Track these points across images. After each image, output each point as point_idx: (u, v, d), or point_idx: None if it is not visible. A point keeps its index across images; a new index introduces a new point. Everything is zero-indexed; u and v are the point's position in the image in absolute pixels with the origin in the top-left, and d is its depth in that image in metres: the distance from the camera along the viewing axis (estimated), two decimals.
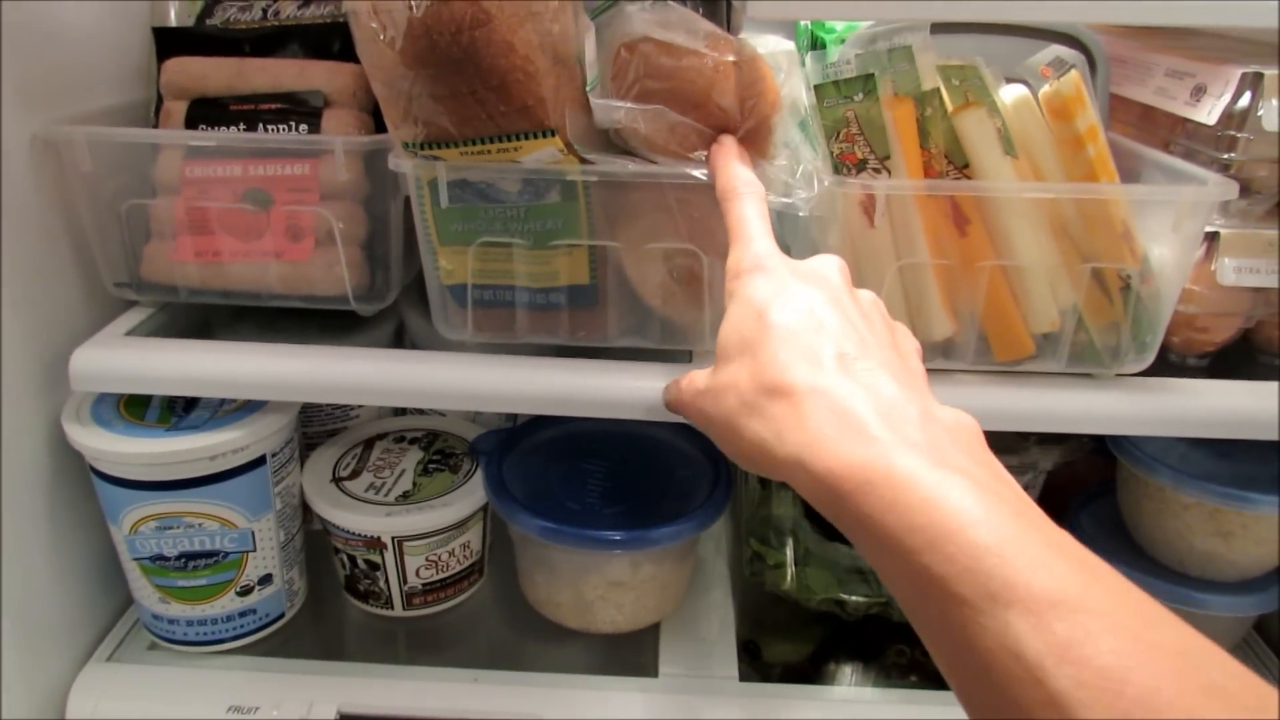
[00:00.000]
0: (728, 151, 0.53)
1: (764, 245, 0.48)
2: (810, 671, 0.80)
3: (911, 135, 0.57)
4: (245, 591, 0.71)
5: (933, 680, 0.76)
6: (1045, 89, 0.59)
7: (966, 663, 0.32)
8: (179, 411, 0.67)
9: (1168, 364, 0.68)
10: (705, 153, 0.55)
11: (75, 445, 0.65)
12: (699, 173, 0.55)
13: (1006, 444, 0.75)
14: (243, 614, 0.72)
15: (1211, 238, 0.64)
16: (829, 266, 0.47)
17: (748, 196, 0.50)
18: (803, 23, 0.75)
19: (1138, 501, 0.76)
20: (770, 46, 0.60)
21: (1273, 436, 0.63)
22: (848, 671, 0.79)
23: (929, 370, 0.63)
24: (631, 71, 0.56)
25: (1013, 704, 0.30)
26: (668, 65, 0.56)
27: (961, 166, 0.58)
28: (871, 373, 0.40)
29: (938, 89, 0.57)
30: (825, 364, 0.40)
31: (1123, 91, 0.72)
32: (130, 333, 0.68)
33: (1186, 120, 0.65)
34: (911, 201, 0.58)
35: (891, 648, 0.80)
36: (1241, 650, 0.82)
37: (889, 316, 0.47)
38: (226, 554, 0.69)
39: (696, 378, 0.48)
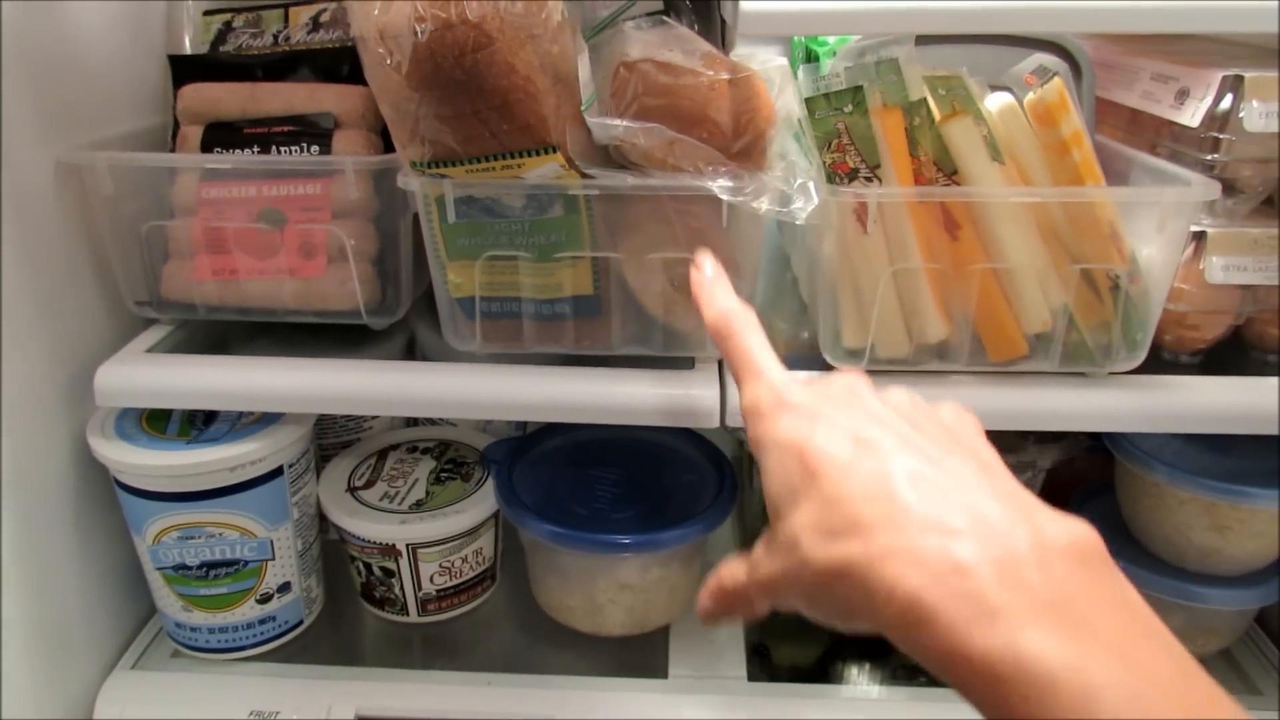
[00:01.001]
0: (711, 282, 0.50)
1: (778, 376, 0.43)
2: (819, 674, 0.81)
3: (901, 144, 0.59)
4: (265, 599, 0.73)
5: (940, 680, 0.77)
6: (1030, 96, 0.60)
7: None
8: (199, 425, 0.70)
9: (1161, 362, 0.70)
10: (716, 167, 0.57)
11: (100, 458, 0.67)
12: (696, 184, 0.57)
13: (1006, 443, 0.76)
14: (263, 621, 0.74)
15: (1199, 237, 0.66)
16: (853, 381, 0.42)
17: (744, 328, 0.47)
18: (798, 38, 0.77)
19: (1135, 498, 0.77)
20: (764, 63, 0.62)
21: (1267, 431, 0.64)
22: (856, 673, 0.80)
23: (925, 373, 0.66)
24: (630, 90, 0.58)
25: None
26: (665, 83, 0.58)
27: (950, 173, 0.60)
28: (958, 491, 0.34)
29: (925, 99, 0.59)
30: (897, 495, 0.34)
31: (1110, 96, 0.74)
32: (151, 350, 0.70)
33: (1172, 123, 0.67)
34: (903, 208, 0.59)
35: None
36: (1243, 644, 0.83)
37: (929, 406, 0.42)
38: (246, 563, 0.71)
39: (757, 566, 0.40)
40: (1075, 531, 0.34)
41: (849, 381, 0.42)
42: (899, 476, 0.35)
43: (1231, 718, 0.30)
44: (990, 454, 0.39)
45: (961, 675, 0.32)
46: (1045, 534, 0.33)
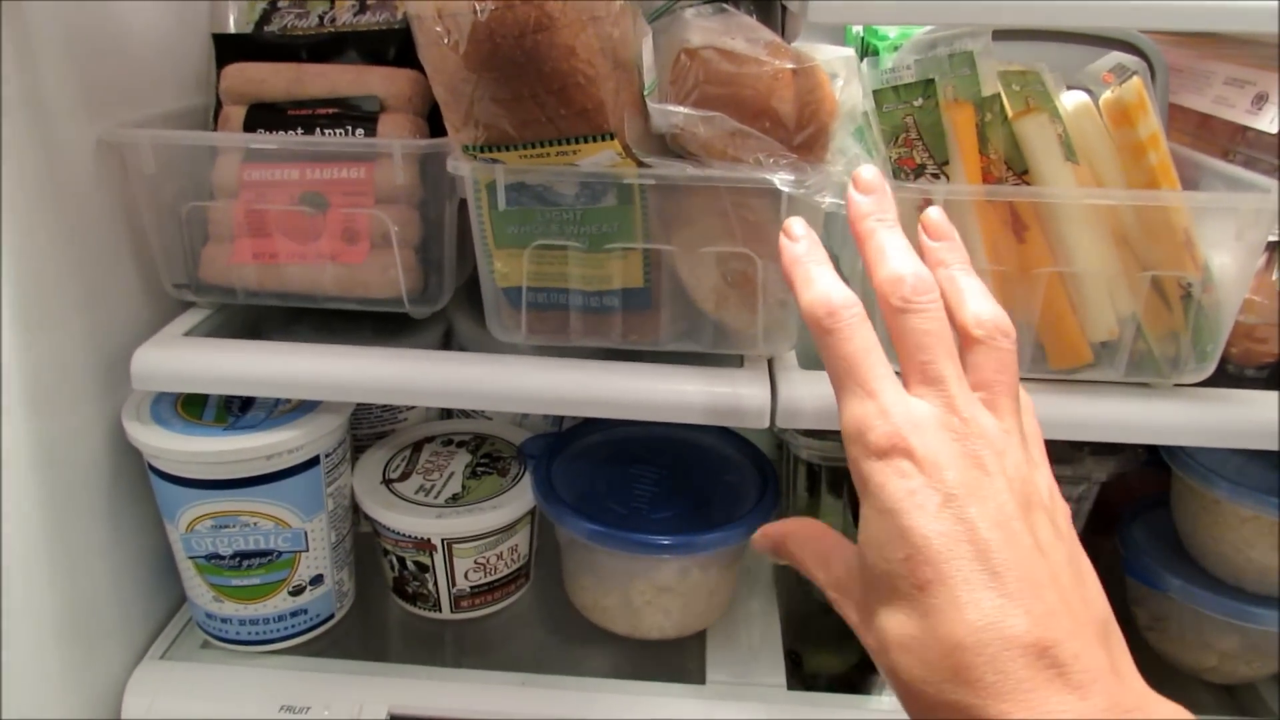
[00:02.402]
0: (807, 256, 0.42)
1: (895, 403, 0.36)
2: (856, 682, 0.79)
3: (971, 140, 0.57)
4: (297, 591, 0.72)
5: None
6: (1107, 95, 0.58)
7: None
8: (235, 411, 0.68)
9: (1225, 375, 0.67)
10: (765, 156, 0.55)
11: (135, 443, 0.66)
12: (756, 175, 0.55)
13: (1060, 454, 0.74)
14: (294, 614, 0.73)
15: (1273, 247, 0.63)
16: (996, 436, 0.36)
17: (853, 325, 0.38)
18: (855, 31, 0.75)
19: (1193, 514, 0.75)
20: (827, 54, 0.60)
21: None
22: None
23: None
24: (691, 77, 0.56)
25: None
26: (727, 72, 0.56)
27: (1021, 173, 0.58)
28: (1073, 640, 0.32)
29: (998, 94, 0.57)
30: (1015, 657, 0.32)
31: (1180, 101, 0.72)
32: (189, 333, 0.69)
33: (1247, 128, 0.65)
34: (970, 207, 0.57)
35: None
36: None
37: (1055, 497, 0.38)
38: (280, 553, 0.69)
39: (840, 588, 0.39)
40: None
41: (991, 436, 0.36)
42: (1017, 629, 0.32)
43: None
44: (1100, 603, 0.36)
45: None
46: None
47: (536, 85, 0.52)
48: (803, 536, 0.42)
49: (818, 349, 0.40)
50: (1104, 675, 0.32)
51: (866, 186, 0.42)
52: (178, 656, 0.73)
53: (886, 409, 0.36)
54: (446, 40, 0.51)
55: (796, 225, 0.43)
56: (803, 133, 0.58)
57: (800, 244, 0.42)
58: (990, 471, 0.35)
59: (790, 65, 0.56)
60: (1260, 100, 0.63)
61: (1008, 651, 0.31)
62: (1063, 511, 0.38)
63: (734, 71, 0.56)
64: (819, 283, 0.40)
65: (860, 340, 0.38)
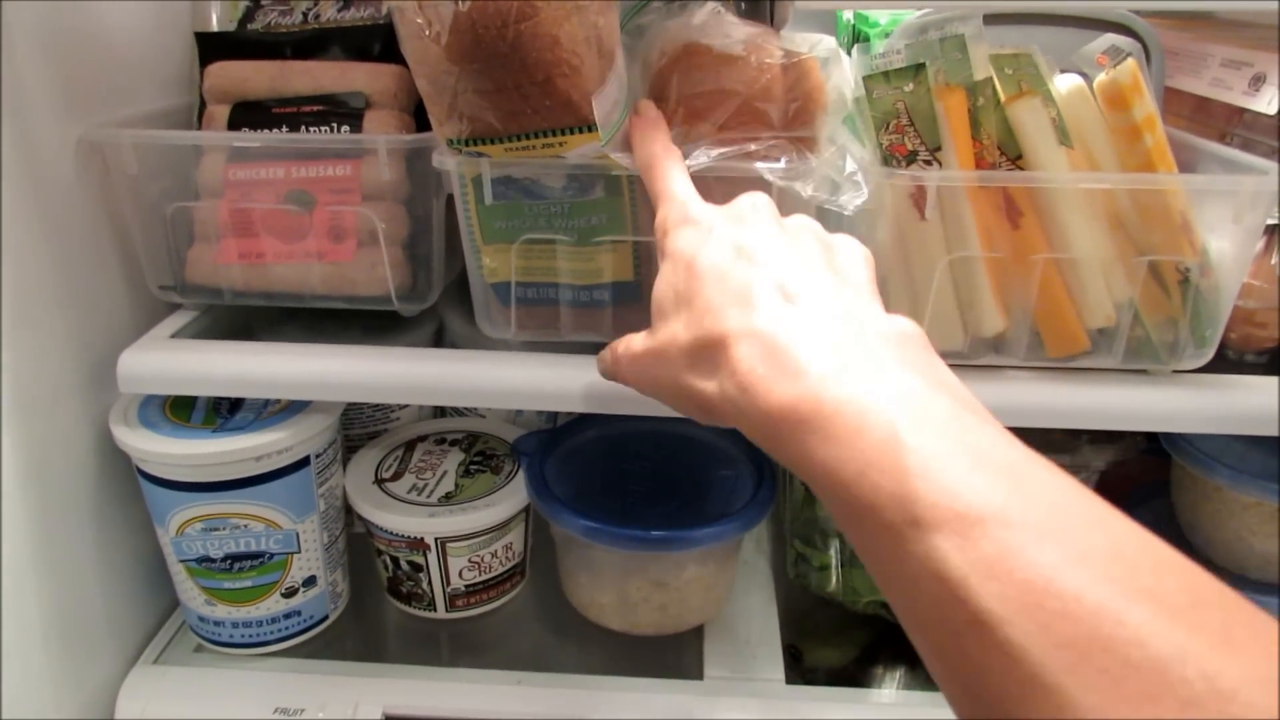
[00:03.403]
0: (648, 124, 0.54)
1: (687, 196, 0.48)
2: (855, 676, 0.78)
3: (963, 126, 0.56)
4: (290, 593, 0.71)
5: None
6: (1101, 78, 0.57)
7: (900, 589, 0.32)
8: (224, 413, 0.67)
9: (1224, 360, 0.67)
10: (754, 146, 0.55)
11: (122, 447, 0.65)
12: (744, 166, 0.55)
13: (1058, 443, 0.73)
14: (287, 616, 0.72)
15: (1272, 231, 0.62)
16: (755, 201, 0.46)
17: (668, 160, 0.51)
18: (845, 17, 0.74)
19: (1194, 502, 0.74)
20: (813, 43, 0.59)
21: None
22: (892, 676, 0.78)
23: (978, 366, 0.63)
24: (673, 87, 0.56)
25: (941, 627, 0.30)
26: (710, 73, 0.55)
27: (1014, 158, 0.57)
28: (805, 301, 0.39)
29: (990, 79, 0.56)
30: (758, 303, 0.39)
31: (1176, 84, 0.71)
32: (175, 335, 0.68)
33: (1244, 110, 0.64)
34: (963, 193, 0.57)
35: None
36: None
37: (824, 233, 0.45)
38: (271, 555, 0.69)
39: (633, 341, 0.47)
40: (900, 322, 0.39)
41: (753, 200, 0.46)
42: (763, 283, 0.39)
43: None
44: (862, 277, 0.43)
45: (773, 430, 0.36)
46: (868, 326, 0.38)
47: (520, 76, 0.51)
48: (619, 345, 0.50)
49: (646, 182, 0.52)
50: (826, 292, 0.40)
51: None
52: (171, 660, 0.73)
53: (682, 200, 0.48)
54: (428, 32, 0.50)
55: (646, 106, 0.56)
56: (792, 126, 0.57)
57: (646, 113, 0.56)
58: (762, 213, 0.45)
59: (775, 60, 0.55)
60: (1258, 82, 0.62)
61: (754, 290, 0.40)
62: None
63: (716, 73, 0.55)
64: (653, 141, 0.53)
65: (672, 169, 0.51)
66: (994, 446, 0.32)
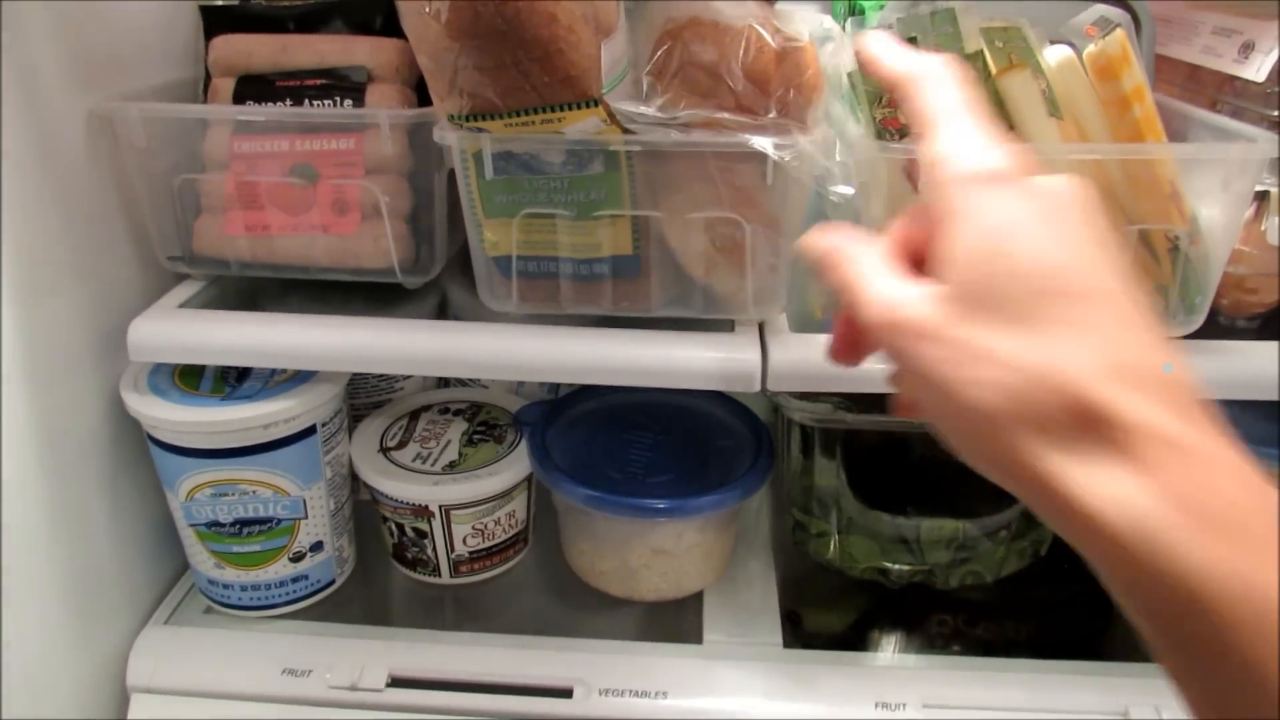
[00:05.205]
0: (879, 35, 0.39)
1: (988, 133, 0.34)
2: (853, 640, 0.80)
3: None
4: (297, 558, 0.73)
5: (976, 648, 0.76)
6: (1090, 49, 0.58)
7: None
8: (232, 382, 0.69)
9: (1217, 326, 0.67)
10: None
11: (133, 414, 0.67)
12: (740, 141, 0.55)
13: None
14: (295, 580, 0.74)
15: (1261, 197, 0.63)
16: (1076, 192, 0.34)
17: (939, 79, 0.36)
18: None
19: None
20: (809, 19, 0.60)
21: None
22: (889, 640, 0.79)
23: None
24: (675, 59, 0.56)
25: None
26: (711, 49, 0.56)
27: (1006, 129, 0.58)
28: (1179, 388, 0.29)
29: (981, 51, 0.57)
30: (1146, 377, 0.29)
31: (1168, 51, 0.71)
32: (184, 305, 0.69)
33: (1234, 78, 0.64)
34: None
35: (934, 617, 0.81)
36: None
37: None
38: (279, 520, 0.70)
39: (918, 306, 0.32)
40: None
41: (1073, 190, 0.34)
42: (1130, 353, 0.30)
43: None
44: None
45: (1185, 599, 0.27)
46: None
47: (519, 52, 0.52)
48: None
49: (904, 101, 0.37)
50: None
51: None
52: (181, 622, 0.75)
53: (980, 142, 0.34)
54: (428, 9, 0.51)
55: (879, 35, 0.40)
56: (789, 103, 0.58)
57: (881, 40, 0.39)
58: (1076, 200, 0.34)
59: (773, 36, 0.56)
60: (1247, 49, 0.63)
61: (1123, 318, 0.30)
62: None
63: (717, 48, 0.56)
64: (901, 53, 0.38)
65: (951, 90, 0.36)
66: None
